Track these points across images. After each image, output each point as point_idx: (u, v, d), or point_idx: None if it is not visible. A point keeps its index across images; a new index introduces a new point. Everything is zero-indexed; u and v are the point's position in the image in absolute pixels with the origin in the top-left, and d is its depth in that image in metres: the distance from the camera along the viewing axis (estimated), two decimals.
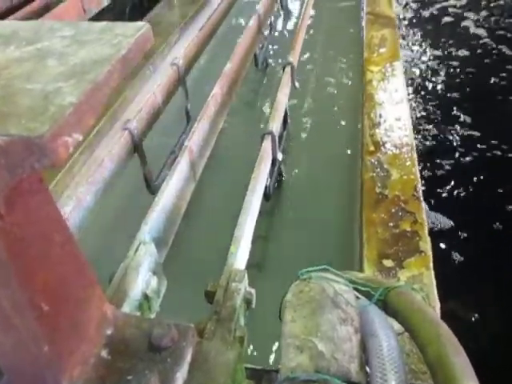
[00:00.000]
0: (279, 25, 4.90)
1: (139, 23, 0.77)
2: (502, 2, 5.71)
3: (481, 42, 5.05)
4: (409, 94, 4.10)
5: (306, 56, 4.22)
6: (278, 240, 2.58)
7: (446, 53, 4.92)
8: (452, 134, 3.80)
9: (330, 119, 3.52)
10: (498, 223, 2.99)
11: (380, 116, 2.65)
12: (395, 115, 2.65)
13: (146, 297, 1.33)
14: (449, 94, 4.31)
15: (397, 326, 1.04)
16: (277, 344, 2.01)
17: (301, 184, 2.93)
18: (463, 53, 4.87)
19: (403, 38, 5.20)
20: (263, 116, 3.50)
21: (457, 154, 3.59)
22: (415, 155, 2.34)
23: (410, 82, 4.45)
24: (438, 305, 1.58)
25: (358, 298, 1.12)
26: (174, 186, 1.80)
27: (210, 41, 3.35)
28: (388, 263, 1.75)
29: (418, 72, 4.68)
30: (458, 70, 4.63)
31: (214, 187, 2.80)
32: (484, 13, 5.56)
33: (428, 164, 3.46)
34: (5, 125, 0.54)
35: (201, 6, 3.90)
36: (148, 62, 2.97)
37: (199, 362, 0.93)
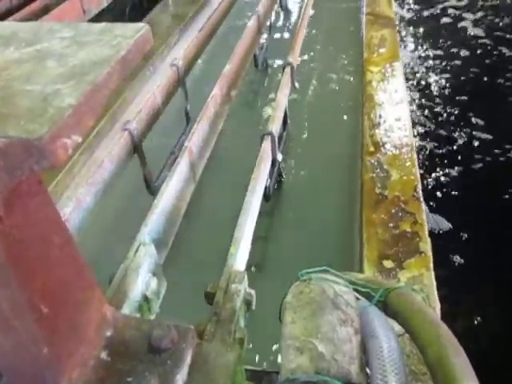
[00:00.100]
0: (279, 25, 4.90)
1: (139, 24, 0.77)
2: (497, 3, 5.72)
3: (480, 42, 5.05)
4: (409, 95, 4.10)
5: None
6: (277, 240, 2.58)
7: (445, 53, 4.92)
8: (452, 135, 3.80)
9: (330, 119, 3.52)
10: (498, 223, 2.99)
11: (380, 116, 2.64)
12: (395, 116, 2.65)
13: (145, 298, 1.33)
14: (449, 95, 4.31)
15: (397, 327, 1.04)
16: (277, 345, 2.00)
17: (301, 184, 2.93)
18: (463, 53, 4.87)
19: (403, 38, 5.21)
20: (263, 116, 3.50)
21: (457, 154, 3.59)
22: (415, 156, 2.34)
23: (409, 82, 4.45)
24: (438, 305, 1.58)
25: (358, 299, 1.12)
26: (173, 187, 1.79)
27: (209, 41, 3.34)
28: (388, 264, 1.75)
29: (417, 72, 4.68)
30: (458, 70, 4.63)
31: (213, 188, 2.80)
32: (482, 13, 5.57)
33: (428, 164, 3.46)
34: (4, 126, 0.54)
35: (200, 6, 3.90)
36: (148, 62, 2.97)
37: (199, 363, 0.92)
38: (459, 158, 3.55)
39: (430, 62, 4.81)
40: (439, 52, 4.95)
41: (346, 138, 3.23)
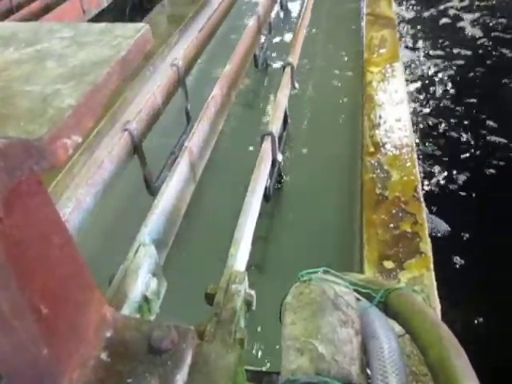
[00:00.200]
0: (279, 25, 4.90)
1: (139, 24, 0.76)
2: (497, 3, 5.73)
3: (481, 42, 5.06)
4: (408, 95, 4.10)
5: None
6: (277, 241, 2.58)
7: (446, 53, 4.92)
8: (452, 135, 3.79)
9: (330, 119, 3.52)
10: (498, 223, 2.98)
11: (380, 117, 2.64)
12: (395, 116, 2.65)
13: (145, 299, 1.33)
14: (449, 95, 4.31)
15: (398, 327, 1.04)
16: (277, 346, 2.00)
17: (301, 184, 2.93)
18: (464, 53, 4.87)
19: (403, 38, 5.21)
20: (263, 117, 3.50)
21: (457, 154, 3.59)
22: (415, 156, 2.34)
23: (409, 82, 4.45)
24: (438, 306, 1.58)
25: (358, 299, 1.12)
26: (173, 188, 1.79)
27: (209, 42, 3.34)
28: (388, 264, 1.74)
29: (418, 72, 4.68)
30: (459, 70, 4.63)
31: (213, 188, 2.79)
32: (482, 14, 5.57)
33: (428, 164, 3.46)
34: (3, 127, 0.54)
35: (200, 6, 3.90)
36: (148, 62, 2.97)
37: (199, 364, 0.92)
38: (459, 158, 3.55)
39: (431, 62, 4.81)
40: (440, 52, 4.95)
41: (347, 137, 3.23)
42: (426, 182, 3.27)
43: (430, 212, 2.98)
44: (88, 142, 2.21)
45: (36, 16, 3.59)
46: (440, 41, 5.16)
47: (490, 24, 5.38)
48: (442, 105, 4.18)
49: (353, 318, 1.03)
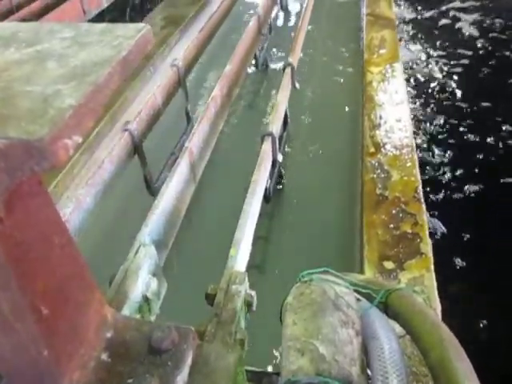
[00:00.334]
0: (279, 26, 4.90)
1: (140, 24, 0.76)
2: (499, 3, 5.73)
3: (483, 43, 5.06)
4: (409, 95, 4.10)
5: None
6: (278, 241, 2.58)
7: (447, 53, 4.92)
8: (453, 135, 3.79)
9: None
10: (498, 224, 2.98)
11: (380, 117, 2.64)
12: (395, 116, 2.65)
13: (146, 299, 1.33)
14: (449, 95, 4.31)
15: (398, 328, 1.04)
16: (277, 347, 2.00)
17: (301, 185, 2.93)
18: (465, 54, 4.87)
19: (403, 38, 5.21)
20: (263, 117, 3.50)
21: (457, 155, 3.59)
22: (416, 156, 2.34)
23: (410, 82, 4.45)
24: (438, 306, 1.58)
25: (358, 300, 1.12)
26: (174, 188, 1.79)
27: (210, 42, 3.35)
28: (389, 265, 1.74)
29: (418, 72, 4.68)
30: (460, 71, 4.63)
31: (213, 189, 2.79)
32: (484, 14, 5.57)
33: (429, 165, 3.46)
34: (4, 127, 0.54)
35: (201, 7, 3.90)
36: (148, 63, 2.97)
37: (200, 364, 0.92)
38: (460, 158, 3.54)
39: (432, 62, 4.81)
40: (441, 52, 4.95)
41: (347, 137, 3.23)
42: (426, 183, 3.27)
43: (431, 211, 2.98)
44: (88, 143, 2.21)
45: (36, 16, 3.59)
46: (440, 41, 5.16)
47: (490, 24, 5.38)
48: (442, 105, 4.18)
49: (353, 319, 1.03)
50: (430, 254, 1.79)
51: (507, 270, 2.65)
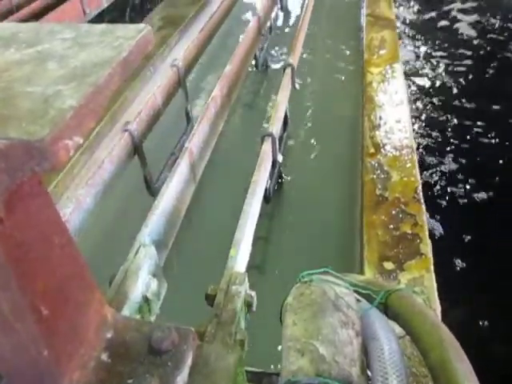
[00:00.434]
0: (279, 26, 4.90)
1: (140, 25, 0.76)
2: (499, 4, 5.74)
3: (481, 43, 5.06)
4: (409, 95, 4.10)
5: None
6: (278, 242, 2.58)
7: (447, 54, 4.93)
8: (453, 136, 3.79)
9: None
10: (498, 225, 2.98)
11: (380, 118, 2.64)
12: (395, 117, 2.65)
13: (146, 299, 1.33)
14: (450, 96, 4.31)
15: (398, 329, 1.04)
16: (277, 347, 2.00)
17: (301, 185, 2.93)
18: (465, 54, 4.87)
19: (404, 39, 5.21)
20: (263, 118, 3.50)
21: (458, 155, 3.59)
22: (415, 157, 2.34)
23: (410, 83, 4.45)
24: (438, 307, 1.58)
25: (358, 300, 1.12)
26: (174, 188, 1.79)
27: (210, 42, 3.35)
28: (389, 265, 1.74)
29: (418, 73, 4.68)
30: (460, 71, 4.63)
31: (213, 189, 2.79)
32: (484, 15, 5.57)
33: (429, 166, 3.46)
34: (5, 128, 0.54)
35: (201, 7, 3.90)
36: (148, 63, 2.97)
37: (200, 365, 0.92)
38: (460, 159, 3.54)
39: (432, 63, 4.81)
40: (441, 53, 4.95)
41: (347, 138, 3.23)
42: (426, 184, 3.27)
43: (431, 212, 2.98)
44: (88, 143, 2.21)
45: (36, 16, 3.59)
46: (441, 42, 5.16)
47: (491, 25, 5.38)
48: (442, 106, 4.18)
49: (353, 320, 1.03)
50: (430, 255, 1.79)
51: (507, 270, 2.65)
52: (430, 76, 4.62)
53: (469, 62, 4.76)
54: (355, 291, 1.13)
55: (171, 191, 1.76)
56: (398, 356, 0.95)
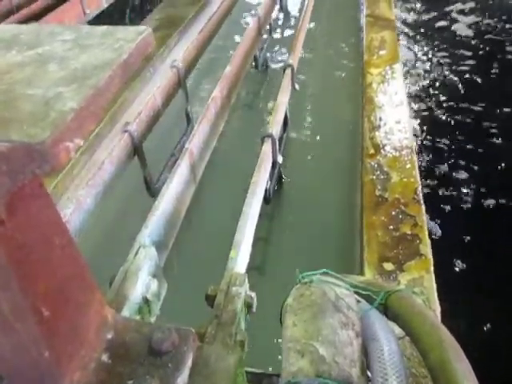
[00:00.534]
0: (279, 27, 4.91)
1: (140, 27, 0.77)
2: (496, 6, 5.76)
3: (481, 43, 5.06)
4: (408, 96, 4.10)
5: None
6: (278, 243, 2.58)
7: (448, 54, 4.93)
8: (454, 136, 3.79)
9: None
10: (498, 225, 2.99)
11: (380, 119, 2.65)
12: (395, 118, 2.65)
13: (146, 300, 1.33)
14: (449, 96, 4.31)
15: (398, 329, 1.04)
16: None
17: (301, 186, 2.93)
18: (466, 55, 4.87)
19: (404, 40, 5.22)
20: (263, 118, 3.50)
21: (458, 156, 3.59)
22: (415, 158, 2.34)
23: (410, 83, 4.45)
24: (438, 308, 1.58)
25: (358, 301, 1.12)
26: (174, 189, 1.79)
27: (209, 43, 3.35)
28: (388, 266, 1.75)
29: (418, 73, 4.68)
30: (459, 72, 4.64)
31: (214, 190, 2.80)
32: (480, 16, 5.58)
33: (428, 166, 3.46)
34: (6, 130, 0.54)
35: (201, 7, 3.90)
36: (148, 64, 2.97)
37: (200, 366, 0.92)
38: (460, 159, 3.54)
39: (432, 63, 4.82)
40: (442, 53, 4.96)
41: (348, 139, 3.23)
42: (426, 185, 3.27)
43: (431, 213, 2.98)
44: (88, 144, 2.21)
45: (36, 17, 3.59)
46: (441, 43, 5.16)
47: (492, 25, 5.39)
48: (442, 106, 4.18)
49: (353, 320, 1.03)
50: (430, 256, 1.79)
51: (507, 270, 2.65)
52: (429, 76, 4.62)
53: (469, 62, 4.77)
54: (355, 292, 1.13)
55: (171, 192, 1.76)
56: (397, 357, 0.96)
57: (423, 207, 2.02)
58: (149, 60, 2.99)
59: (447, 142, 3.74)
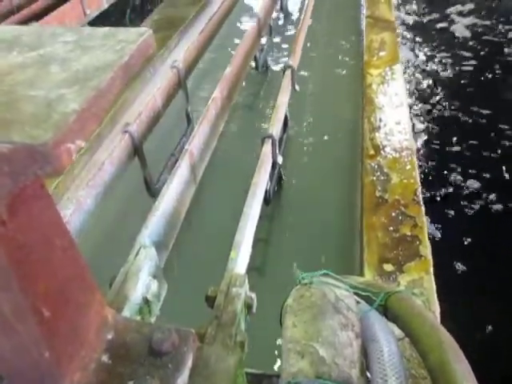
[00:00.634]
0: (279, 27, 4.91)
1: (141, 29, 0.77)
2: (496, 7, 5.76)
3: (481, 44, 5.07)
4: (409, 97, 4.11)
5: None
6: (278, 244, 2.58)
7: (448, 55, 4.93)
8: (454, 136, 3.80)
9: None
10: (498, 226, 2.99)
11: (380, 120, 2.65)
12: (395, 119, 2.66)
13: (146, 301, 1.33)
14: (450, 97, 4.31)
15: (397, 331, 1.04)
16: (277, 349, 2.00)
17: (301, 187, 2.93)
18: (466, 56, 4.88)
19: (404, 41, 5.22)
20: (263, 119, 3.50)
21: (458, 157, 3.59)
22: (415, 159, 2.34)
23: (410, 84, 4.46)
24: (437, 309, 1.58)
25: (358, 302, 1.12)
26: (174, 190, 1.80)
27: (210, 44, 3.35)
28: (388, 267, 1.75)
29: (418, 74, 4.69)
30: (460, 72, 4.64)
31: (214, 191, 2.80)
32: (480, 17, 5.59)
33: (429, 167, 3.46)
34: (8, 132, 0.54)
35: (201, 8, 3.90)
36: (148, 64, 2.97)
37: (200, 367, 0.92)
38: (460, 160, 3.55)
39: (432, 64, 4.82)
40: (442, 54, 4.96)
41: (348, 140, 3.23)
42: (426, 186, 3.28)
43: (431, 215, 2.98)
44: (89, 144, 2.21)
45: (37, 17, 3.59)
46: (441, 44, 5.17)
47: (493, 26, 5.39)
48: (442, 106, 4.18)
49: (353, 321, 1.04)
50: (430, 257, 1.79)
51: (510, 272, 2.65)
52: (429, 77, 4.63)
53: (469, 63, 4.77)
54: (355, 293, 1.13)
55: (171, 192, 1.77)
56: (397, 358, 0.96)
57: (423, 208, 2.02)
58: (149, 60, 2.98)
59: (447, 142, 3.74)
